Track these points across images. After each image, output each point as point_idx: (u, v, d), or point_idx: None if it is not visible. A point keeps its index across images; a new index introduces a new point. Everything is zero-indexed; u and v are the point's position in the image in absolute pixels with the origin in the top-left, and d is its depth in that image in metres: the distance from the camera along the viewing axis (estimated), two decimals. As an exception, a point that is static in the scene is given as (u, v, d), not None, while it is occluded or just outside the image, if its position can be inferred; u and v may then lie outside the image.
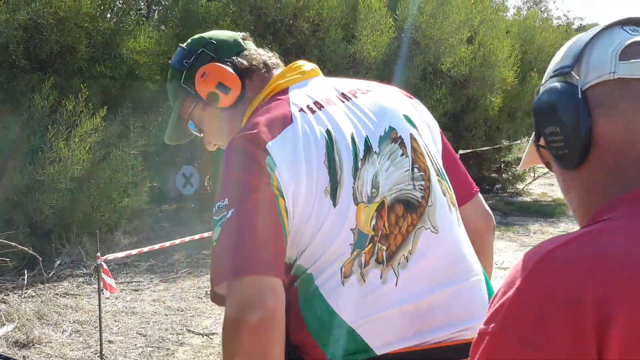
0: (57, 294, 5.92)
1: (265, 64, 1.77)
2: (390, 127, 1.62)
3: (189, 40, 1.84)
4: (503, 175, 12.40)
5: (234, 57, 1.76)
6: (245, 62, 1.76)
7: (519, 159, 12.37)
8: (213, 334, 5.18)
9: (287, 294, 1.48)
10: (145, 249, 4.85)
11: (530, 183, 12.61)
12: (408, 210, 1.57)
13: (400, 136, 1.62)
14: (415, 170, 1.60)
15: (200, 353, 4.86)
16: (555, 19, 29.49)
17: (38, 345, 4.81)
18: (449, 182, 1.69)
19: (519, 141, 12.51)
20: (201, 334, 5.17)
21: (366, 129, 1.60)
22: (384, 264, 1.53)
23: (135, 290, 6.13)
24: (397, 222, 1.55)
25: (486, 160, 11.77)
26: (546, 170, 10.21)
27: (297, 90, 1.67)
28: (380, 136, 1.60)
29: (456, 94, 10.48)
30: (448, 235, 1.61)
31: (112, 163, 7.44)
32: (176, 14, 9.32)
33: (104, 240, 7.11)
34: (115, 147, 7.50)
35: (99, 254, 4.08)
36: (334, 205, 1.50)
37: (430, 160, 1.65)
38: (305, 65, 1.77)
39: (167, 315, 5.54)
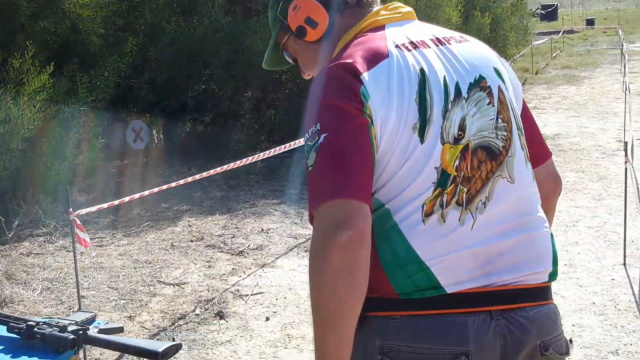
0: (21, 254, 5.90)
1: (361, 2, 1.77)
2: (480, 75, 1.66)
3: None
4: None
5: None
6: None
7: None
8: (184, 283, 5.26)
9: None
10: (116, 202, 4.83)
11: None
12: (489, 157, 1.62)
13: (490, 86, 1.66)
14: (500, 120, 1.65)
15: (174, 302, 4.93)
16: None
17: (10, 305, 4.82)
18: (525, 139, 1.74)
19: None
20: (172, 284, 5.24)
21: (457, 74, 1.64)
22: (463, 207, 1.59)
23: (100, 246, 6.13)
24: (479, 166, 1.60)
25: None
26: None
27: (394, 28, 1.71)
28: (470, 83, 1.64)
29: (402, 36, 10.59)
30: (522, 188, 1.67)
31: (62, 120, 7.34)
32: (116, -35, 9.11)
33: (60, 198, 7.05)
34: (64, 104, 7.40)
35: (70, 209, 4.08)
36: (421, 142, 1.56)
37: (513, 115, 1.70)
38: (404, 7, 1.78)
39: (135, 269, 5.57)
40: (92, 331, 1.73)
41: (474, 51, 1.71)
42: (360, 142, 1.51)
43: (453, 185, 1.58)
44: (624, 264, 5.45)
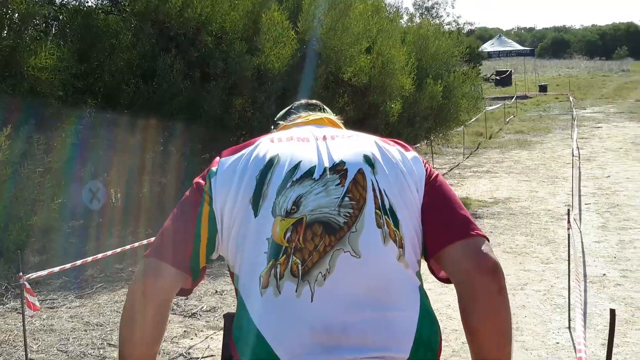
0: (-30, 316, 5.85)
1: (287, 118, 2.09)
2: (341, 160, 1.77)
3: None
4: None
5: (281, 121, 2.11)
6: (279, 122, 2.11)
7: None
8: (135, 346, 5.25)
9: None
10: (68, 266, 4.86)
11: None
12: (327, 231, 1.66)
13: (346, 169, 1.75)
14: (347, 199, 1.70)
15: (124, 366, 4.92)
16: (446, 24, 30.50)
17: (-42, 368, 4.78)
18: (397, 219, 1.71)
19: (418, 145, 12.95)
20: (123, 347, 5.23)
21: (319, 160, 1.77)
22: (300, 278, 1.63)
23: (51, 308, 6.12)
24: (312, 239, 1.65)
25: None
26: (445, 171, 10.57)
27: (293, 129, 1.97)
28: (326, 167, 1.75)
29: (358, 102, 10.82)
30: (373, 263, 1.66)
31: (17, 181, 7.36)
32: (75, 29, 9.25)
33: (13, 259, 7.02)
34: (20, 165, 7.42)
35: (21, 273, 4.11)
36: (255, 215, 1.71)
37: (375, 195, 1.71)
38: (319, 115, 2.07)
39: (86, 331, 5.57)
40: None
41: (349, 143, 1.84)
42: (186, 216, 1.77)
43: (285, 255, 1.65)
44: (569, 327, 5.58)
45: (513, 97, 27.16)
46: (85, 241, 8.40)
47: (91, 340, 5.38)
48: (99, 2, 10.46)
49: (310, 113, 2.07)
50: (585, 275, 6.96)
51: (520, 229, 9.14)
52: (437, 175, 1.84)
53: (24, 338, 4.21)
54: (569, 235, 5.79)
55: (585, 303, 6.11)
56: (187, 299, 6.42)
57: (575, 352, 5.13)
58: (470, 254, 1.70)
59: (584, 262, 7.45)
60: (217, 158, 1.84)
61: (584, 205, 10.23)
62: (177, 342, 5.39)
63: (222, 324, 5.65)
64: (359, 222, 1.68)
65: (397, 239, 1.69)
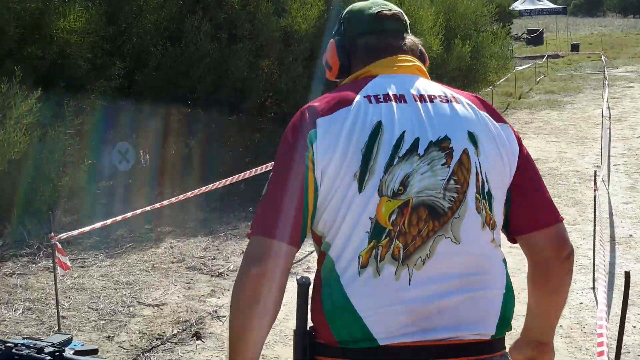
0: (4, 274, 6.02)
1: (369, 54, 1.87)
2: (445, 136, 1.70)
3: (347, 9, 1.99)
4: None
5: (355, 38, 1.90)
6: (356, 46, 1.89)
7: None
8: (163, 304, 5.39)
9: (317, 274, 1.73)
10: (98, 225, 4.96)
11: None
12: (431, 216, 1.65)
13: (452, 147, 1.69)
14: (452, 182, 1.67)
15: (153, 323, 5.05)
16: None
17: (-8, 324, 4.94)
18: (492, 202, 1.74)
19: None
20: (151, 305, 5.37)
21: (421, 131, 1.69)
22: (400, 262, 1.64)
23: (82, 267, 6.26)
24: (417, 223, 1.65)
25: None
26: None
27: (381, 79, 1.81)
28: (431, 141, 1.69)
29: (384, 63, 10.76)
30: (470, 249, 1.69)
31: (48, 143, 7.47)
32: (103, -9, 9.27)
33: (45, 220, 7.17)
34: (50, 127, 7.53)
35: (52, 233, 4.21)
36: (359, 191, 1.64)
37: (477, 179, 1.71)
38: (409, 61, 1.87)
39: (116, 290, 5.70)
40: (68, 353, 1.81)
41: (451, 112, 1.75)
42: (291, 192, 1.66)
43: (387, 238, 1.64)
44: (593, 288, 5.60)
45: (544, 56, 26.79)
46: (114, 202, 8.54)
47: (121, 298, 5.52)
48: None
49: (397, 56, 1.86)
50: (611, 236, 6.95)
51: (548, 190, 9.08)
52: (527, 152, 1.85)
53: (56, 296, 4.33)
54: (595, 196, 5.78)
55: (611, 264, 6.12)
56: (214, 258, 6.53)
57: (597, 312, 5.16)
58: (552, 242, 1.82)
59: (611, 223, 7.43)
60: (309, 114, 1.72)
61: (613, 166, 10.15)
62: (204, 301, 5.50)
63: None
64: (462, 207, 1.68)
65: (491, 222, 1.74)
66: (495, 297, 1.73)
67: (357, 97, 1.73)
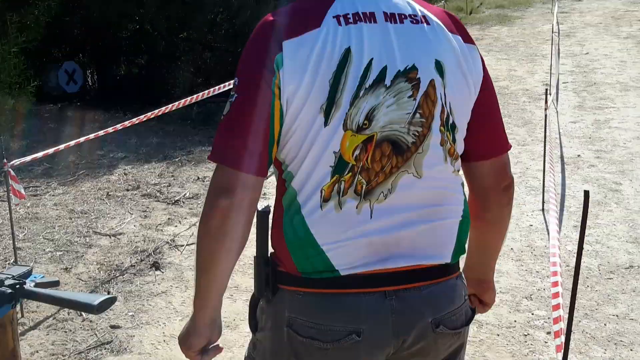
0: (-48, 205, 5.90)
1: None
2: (413, 65, 1.64)
3: None
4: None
5: None
6: None
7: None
8: (120, 234, 5.37)
9: (277, 201, 1.71)
10: (51, 151, 4.78)
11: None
12: (395, 152, 1.64)
13: (419, 78, 1.64)
14: (417, 115, 1.64)
15: (110, 253, 5.04)
16: None
17: (-54, 258, 4.87)
18: (455, 134, 1.72)
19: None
20: (108, 235, 5.34)
21: (389, 59, 1.62)
22: (362, 197, 1.64)
23: (34, 196, 6.17)
24: (380, 159, 1.63)
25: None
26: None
27: None
28: (399, 70, 1.63)
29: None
30: (432, 182, 1.69)
31: (-8, 63, 7.24)
32: None
33: (-8, 145, 7.01)
34: (-6, 46, 7.29)
35: (5, 160, 4.08)
36: (325, 124, 1.60)
37: (442, 111, 1.67)
38: None
39: (71, 219, 5.65)
40: (29, 285, 1.80)
41: (422, 36, 1.68)
42: (257, 117, 1.60)
43: (350, 173, 1.62)
44: (542, 209, 5.73)
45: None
46: (63, 126, 8.36)
47: (77, 228, 5.47)
48: None
49: None
50: (560, 157, 7.08)
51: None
52: (489, 78, 1.80)
53: (11, 226, 4.25)
54: (545, 116, 5.83)
55: (560, 185, 6.24)
56: (169, 185, 6.49)
57: (548, 233, 5.29)
58: (495, 172, 1.83)
59: (560, 143, 7.56)
60: (274, 33, 1.62)
61: (562, 84, 10.26)
62: (161, 230, 5.50)
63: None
64: (426, 142, 1.66)
65: (454, 153, 1.73)
66: (453, 226, 1.75)
67: (326, 17, 1.63)
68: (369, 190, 1.64)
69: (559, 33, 10.80)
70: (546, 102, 5.88)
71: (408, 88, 1.63)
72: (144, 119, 5.57)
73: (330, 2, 1.66)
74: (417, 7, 1.72)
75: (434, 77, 1.65)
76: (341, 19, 1.63)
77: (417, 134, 1.65)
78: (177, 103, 5.90)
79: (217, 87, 6.51)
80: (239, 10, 9.33)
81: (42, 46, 8.60)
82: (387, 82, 1.61)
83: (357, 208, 1.64)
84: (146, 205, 5.99)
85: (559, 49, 10.78)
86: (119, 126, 5.46)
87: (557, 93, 9.40)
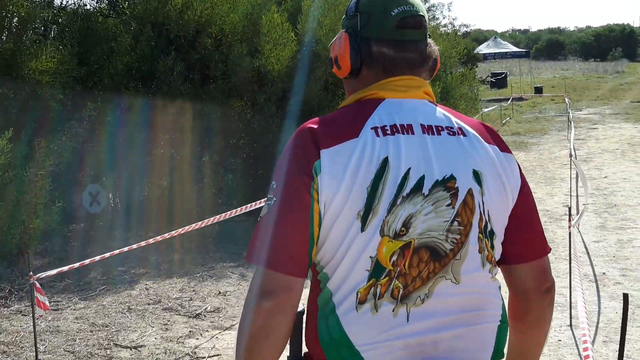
0: (-25, 318, 5.87)
1: (385, 66, 1.78)
2: (451, 175, 1.68)
3: None
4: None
5: (371, 41, 1.78)
6: (370, 51, 1.78)
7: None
8: (141, 346, 5.29)
9: (311, 301, 1.71)
10: (76, 264, 4.87)
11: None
12: (433, 258, 1.65)
13: (457, 187, 1.67)
14: (455, 223, 1.66)
15: (130, 366, 4.96)
16: (442, 27, 30.58)
17: (-34, 369, 4.80)
18: (493, 240, 1.74)
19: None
20: (129, 347, 5.27)
21: (427, 168, 1.66)
22: (398, 301, 1.64)
23: (56, 310, 6.13)
24: (418, 265, 1.64)
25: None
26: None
27: (388, 105, 1.74)
28: (437, 180, 1.66)
29: (357, 104, 10.83)
30: (470, 288, 1.69)
31: (20, 185, 7.38)
32: (74, 32, 9.28)
33: (16, 263, 7.06)
34: (22, 168, 7.45)
35: (31, 272, 4.14)
36: (362, 229, 1.62)
37: (480, 219, 1.70)
38: (418, 84, 1.80)
39: (92, 332, 5.59)
40: None
41: (460, 147, 1.72)
42: (298, 221, 1.62)
43: (387, 278, 1.63)
44: (570, 325, 5.62)
45: (509, 98, 27.19)
46: (86, 244, 8.42)
47: (97, 340, 5.41)
48: (98, 5, 10.50)
49: (407, 78, 1.78)
50: (584, 274, 7.00)
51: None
52: (527, 184, 1.84)
53: (34, 337, 4.24)
54: (570, 233, 5.83)
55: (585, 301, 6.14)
56: (190, 299, 6.45)
57: (577, 349, 5.18)
58: (536, 274, 1.82)
59: (590, 261, 7.50)
60: (313, 141, 1.66)
61: (582, 206, 10.26)
62: (182, 342, 5.42)
63: (226, 325, 5.70)
64: (464, 249, 1.68)
65: (492, 260, 1.74)
66: (491, 331, 1.74)
67: (364, 128, 1.68)
68: (406, 294, 1.64)
69: (576, 157, 10.90)
70: (570, 219, 5.88)
71: (446, 197, 1.66)
72: (167, 237, 5.62)
73: (369, 114, 1.71)
74: (454, 119, 1.77)
75: (472, 186, 1.69)
76: (379, 130, 1.67)
77: (455, 241, 1.66)
78: (198, 223, 5.97)
79: (238, 209, 6.59)
80: (261, 135, 9.55)
81: (68, 170, 8.79)
82: (425, 190, 1.65)
83: (393, 311, 1.64)
84: (167, 318, 5.93)
85: (577, 172, 10.86)
86: (143, 243, 5.52)
87: (578, 214, 9.39)
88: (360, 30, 1.78)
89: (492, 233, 1.73)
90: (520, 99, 30.67)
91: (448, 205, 1.66)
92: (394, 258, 1.62)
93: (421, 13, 1.80)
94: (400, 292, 1.63)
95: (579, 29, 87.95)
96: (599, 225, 9.28)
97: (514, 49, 39.29)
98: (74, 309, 6.19)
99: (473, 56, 30.50)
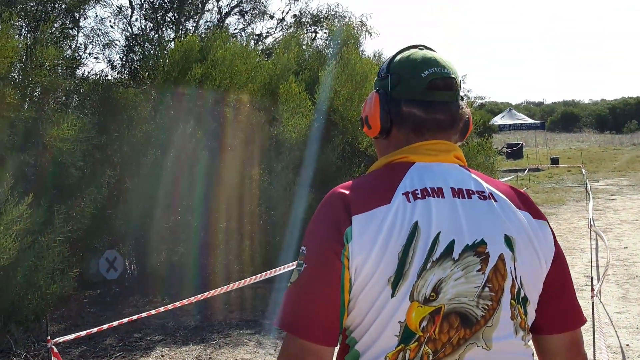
0: (-10, 385, 5.80)
1: (415, 126, 1.79)
2: (482, 240, 1.66)
3: (394, 58, 1.86)
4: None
5: (401, 102, 1.79)
6: (400, 112, 1.79)
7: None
8: (156, 414, 5.19)
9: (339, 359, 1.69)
10: (94, 329, 4.82)
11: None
12: (463, 324, 1.63)
13: (488, 252, 1.65)
14: (487, 289, 1.64)
15: None
16: (457, 99, 30.73)
17: None
18: (527, 307, 1.71)
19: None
20: (144, 416, 5.17)
21: (457, 233, 1.65)
22: None
23: (71, 377, 6.05)
24: (448, 331, 1.62)
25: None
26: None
27: (418, 169, 1.74)
28: (467, 244, 1.64)
29: (374, 172, 10.87)
30: (501, 354, 1.66)
31: (37, 250, 7.39)
32: (95, 101, 9.43)
33: (32, 328, 7.01)
34: (40, 233, 7.47)
35: (49, 337, 4.10)
36: (392, 295, 1.60)
37: (512, 285, 1.67)
38: (449, 148, 1.79)
39: (106, 400, 5.50)
40: None
41: (491, 212, 1.70)
42: (328, 290, 1.61)
43: (417, 343, 1.61)
44: (596, 396, 5.49)
45: (525, 169, 27.21)
46: (102, 310, 8.37)
47: (111, 408, 5.32)
48: (119, 75, 10.69)
49: (437, 142, 1.78)
50: (607, 346, 6.86)
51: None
52: (561, 252, 1.80)
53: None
54: (592, 303, 5.74)
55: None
56: (207, 367, 6.36)
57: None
58: (569, 347, 1.78)
59: (616, 334, 7.35)
60: (344, 207, 1.66)
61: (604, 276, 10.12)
62: (198, 411, 5.31)
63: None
64: (495, 315, 1.65)
65: (525, 326, 1.71)
66: None
67: (395, 194, 1.67)
68: None
69: (595, 226, 10.81)
70: (592, 289, 5.80)
71: (477, 262, 1.64)
72: (180, 305, 5.57)
73: (400, 178, 1.71)
74: (484, 184, 1.76)
75: (503, 251, 1.66)
76: (410, 195, 1.66)
77: (486, 307, 1.64)
78: (216, 290, 5.93)
79: (256, 276, 6.55)
80: (278, 202, 9.56)
81: (86, 235, 8.81)
82: (455, 255, 1.63)
83: None
84: (183, 386, 5.84)
85: (597, 243, 10.75)
86: (153, 311, 5.47)
87: (600, 284, 9.26)
88: (390, 91, 1.80)
89: (525, 299, 1.69)
90: (537, 169, 30.69)
91: (478, 270, 1.64)
92: (424, 324, 1.60)
93: (452, 75, 1.80)
94: (430, 358, 1.61)
95: (593, 102, 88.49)
96: (620, 296, 9.14)
97: (529, 120, 39.44)
98: (89, 376, 6.11)
99: (489, 127, 30.64)
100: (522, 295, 1.69)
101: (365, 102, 1.86)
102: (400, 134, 1.80)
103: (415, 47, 1.87)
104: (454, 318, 1.62)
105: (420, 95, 1.77)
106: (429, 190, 1.68)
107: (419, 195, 1.66)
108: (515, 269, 1.67)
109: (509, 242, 1.68)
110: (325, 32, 14.84)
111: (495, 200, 1.72)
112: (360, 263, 1.60)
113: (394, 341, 1.61)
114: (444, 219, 1.65)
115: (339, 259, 1.60)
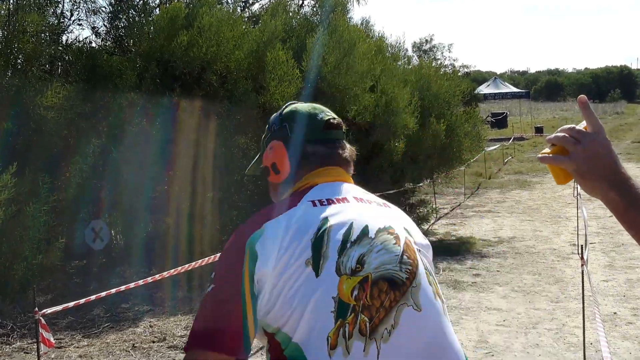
0: (-23, 356, 5.75)
1: (322, 159, 1.98)
2: (390, 225, 1.84)
3: (285, 108, 2.07)
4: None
5: (304, 144, 1.97)
6: (306, 152, 1.97)
7: (423, 201, 12.76)
8: (146, 385, 5.17)
9: None
10: (82, 300, 4.77)
11: (433, 224, 13.01)
12: (392, 288, 1.72)
13: (397, 233, 1.83)
14: (405, 257, 1.78)
15: (136, 405, 4.83)
16: (443, 67, 30.69)
17: (-33, 408, 4.68)
18: (436, 279, 1.88)
19: (421, 184, 12.92)
20: (134, 387, 5.15)
21: (369, 220, 1.81)
22: (367, 337, 1.67)
23: (59, 348, 6.02)
24: (379, 295, 1.70)
25: (392, 203, 12.07)
26: (447, 210, 10.57)
27: (322, 187, 1.91)
28: (379, 228, 1.81)
29: (362, 141, 10.80)
30: (431, 316, 1.76)
31: (23, 220, 7.30)
32: (80, 69, 9.28)
33: (18, 299, 6.94)
34: (25, 203, 7.37)
35: (36, 308, 4.04)
36: (317, 275, 1.68)
37: (420, 260, 1.83)
38: (343, 174, 1.99)
39: (95, 370, 5.47)
40: None
41: (389, 212, 1.92)
42: (227, 304, 1.67)
43: (353, 314, 1.67)
44: (585, 366, 5.51)
45: (510, 138, 27.29)
46: (89, 281, 8.32)
47: (101, 379, 5.29)
48: (103, 43, 10.53)
49: (334, 168, 1.99)
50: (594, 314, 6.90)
51: (527, 268, 9.09)
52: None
53: (38, 376, 4.12)
54: (582, 272, 5.75)
55: (598, 342, 6.04)
56: None
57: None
58: None
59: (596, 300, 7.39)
60: (246, 235, 1.76)
61: (589, 245, 10.19)
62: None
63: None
64: (417, 278, 1.77)
65: (440, 295, 1.84)
66: None
67: (302, 200, 1.84)
68: (373, 328, 1.67)
69: (580, 196, 10.83)
70: (582, 257, 5.80)
71: (391, 238, 1.80)
72: (168, 275, 5.53)
73: (305, 192, 1.88)
74: (380, 200, 2.00)
75: (407, 236, 1.85)
76: (316, 202, 1.84)
77: (408, 270, 1.77)
78: (205, 259, 5.90)
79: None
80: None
81: (71, 205, 8.71)
82: (372, 234, 1.78)
83: (364, 351, 1.66)
84: (172, 357, 5.83)
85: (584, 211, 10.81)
86: (141, 282, 5.43)
87: (587, 253, 9.31)
88: (290, 137, 1.98)
89: (430, 272, 1.86)
90: (521, 138, 30.79)
91: (394, 244, 1.79)
92: (355, 293, 1.68)
93: (338, 118, 2.05)
94: (368, 326, 1.66)
95: (577, 71, 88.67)
96: (607, 264, 9.20)
97: (514, 89, 39.48)
98: (78, 347, 6.07)
99: (473, 96, 30.63)
100: (429, 270, 1.86)
101: (264, 153, 2.01)
102: (302, 172, 1.96)
103: (291, 103, 2.08)
104: (382, 283, 1.71)
105: (320, 134, 1.99)
106: (334, 199, 1.86)
107: (325, 203, 1.84)
108: (419, 250, 1.85)
109: (407, 231, 1.88)
110: (312, -1, 14.68)
111: (389, 207, 1.97)
112: (272, 258, 1.68)
113: (331, 319, 1.66)
114: (353, 213, 1.81)
115: (239, 279, 1.68)
